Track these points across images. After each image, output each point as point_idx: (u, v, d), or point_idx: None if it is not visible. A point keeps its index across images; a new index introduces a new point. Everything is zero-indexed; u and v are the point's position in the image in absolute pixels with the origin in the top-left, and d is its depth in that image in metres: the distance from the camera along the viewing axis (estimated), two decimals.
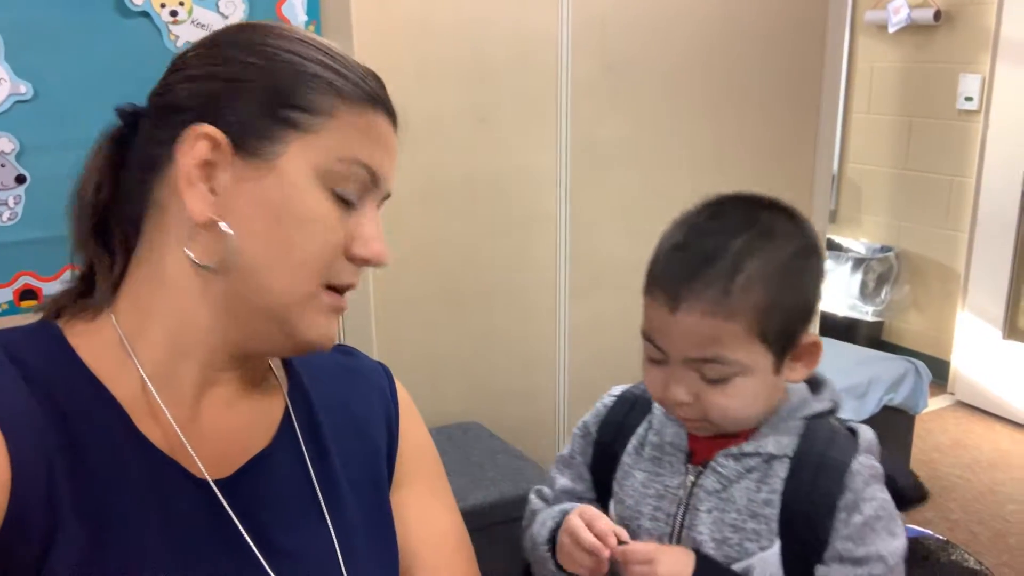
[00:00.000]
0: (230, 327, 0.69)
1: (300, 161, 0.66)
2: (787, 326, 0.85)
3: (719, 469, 0.89)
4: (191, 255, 0.66)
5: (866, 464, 0.86)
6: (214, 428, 0.71)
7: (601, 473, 0.99)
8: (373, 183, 0.70)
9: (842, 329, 3.93)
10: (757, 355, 0.85)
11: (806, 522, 0.85)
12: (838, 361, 2.82)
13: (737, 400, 0.85)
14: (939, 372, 3.80)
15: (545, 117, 2.45)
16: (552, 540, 0.94)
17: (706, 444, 0.91)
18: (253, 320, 0.68)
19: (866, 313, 4.09)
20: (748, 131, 2.81)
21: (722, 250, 0.84)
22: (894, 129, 4.01)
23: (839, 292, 4.11)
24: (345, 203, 0.69)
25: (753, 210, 0.88)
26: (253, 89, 0.66)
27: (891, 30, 3.84)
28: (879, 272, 4.03)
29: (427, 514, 0.85)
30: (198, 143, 0.65)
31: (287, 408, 0.77)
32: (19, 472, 0.59)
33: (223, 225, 0.66)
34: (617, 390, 1.03)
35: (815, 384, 0.94)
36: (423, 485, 0.87)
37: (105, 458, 0.64)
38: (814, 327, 0.92)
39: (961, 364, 3.80)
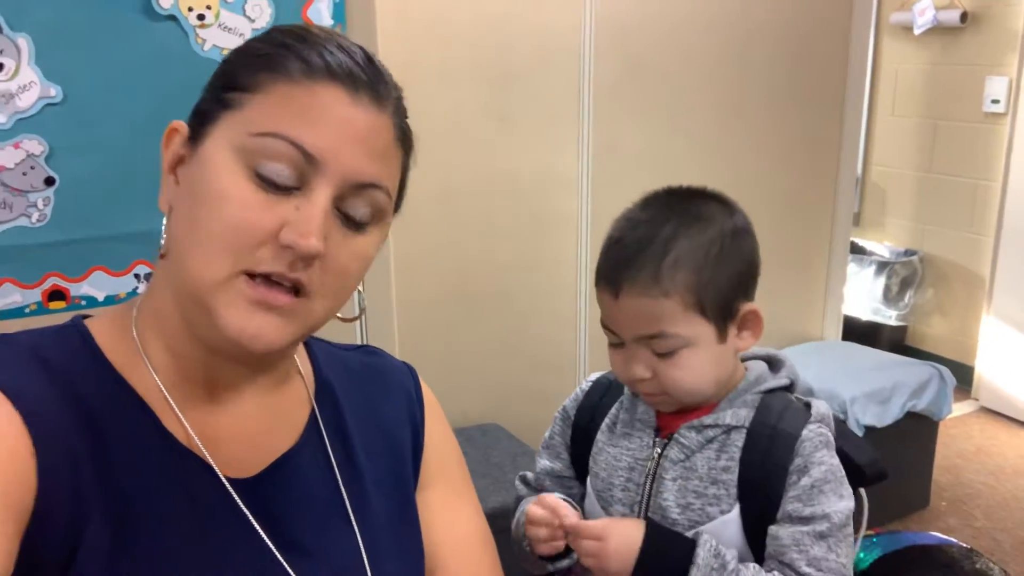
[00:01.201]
0: (183, 313, 0.68)
1: (220, 138, 0.65)
2: (722, 298, 0.94)
3: (682, 440, 0.97)
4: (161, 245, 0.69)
5: (816, 432, 0.94)
6: (239, 429, 0.72)
7: (579, 453, 1.07)
8: (307, 162, 0.63)
9: (865, 333, 3.89)
10: (697, 327, 0.93)
11: (761, 486, 0.93)
12: (861, 365, 2.80)
13: (688, 371, 0.94)
14: (963, 377, 3.76)
15: (566, 118, 2.45)
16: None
17: (672, 419, 0.99)
18: (186, 307, 0.67)
19: (889, 317, 4.05)
20: (771, 133, 2.80)
21: (652, 237, 0.94)
22: (919, 132, 3.97)
23: (862, 296, 4.08)
24: (274, 185, 0.63)
25: (682, 199, 0.98)
26: (215, 77, 0.68)
27: (917, 32, 3.80)
28: (903, 276, 3.99)
29: (452, 516, 0.85)
30: (173, 137, 0.68)
31: (313, 409, 0.77)
32: (45, 472, 0.59)
33: (167, 212, 0.68)
34: (593, 376, 1.12)
35: (774, 363, 1.04)
36: (447, 487, 0.87)
37: (131, 455, 0.65)
38: (756, 300, 1.00)
39: (986, 369, 3.76)
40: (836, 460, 0.94)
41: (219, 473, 0.68)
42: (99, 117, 1.34)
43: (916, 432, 2.78)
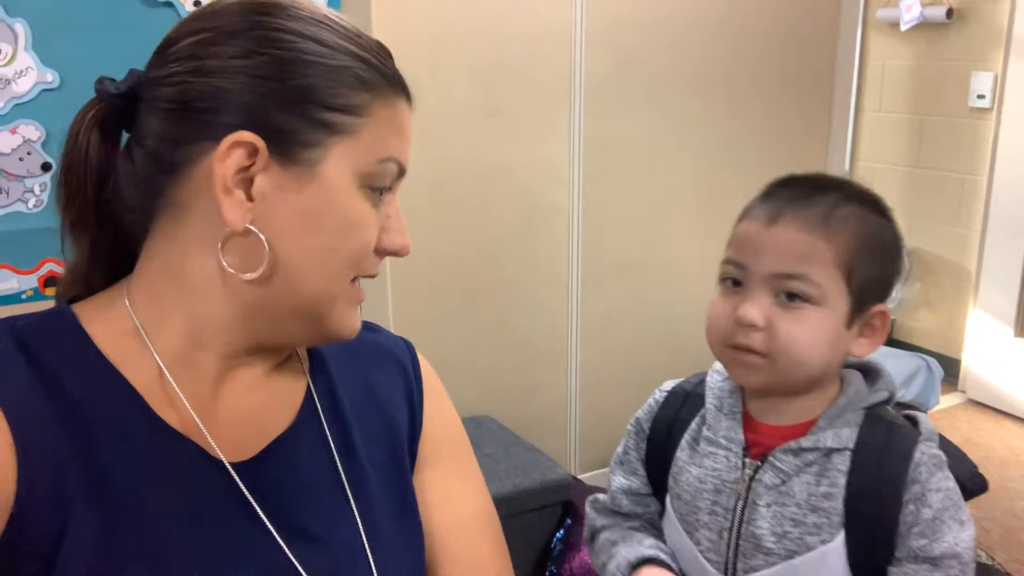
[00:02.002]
0: (256, 325, 0.68)
1: (342, 167, 0.65)
2: (868, 281, 0.88)
3: (777, 464, 0.88)
4: (225, 263, 0.65)
5: (929, 453, 0.86)
6: (234, 411, 0.71)
7: (656, 469, 0.99)
8: (400, 175, 0.70)
9: None
10: (838, 289, 0.86)
11: (872, 515, 0.85)
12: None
13: (807, 331, 0.85)
14: (950, 370, 3.79)
15: (558, 111, 2.46)
16: None
17: (761, 437, 0.91)
18: (283, 318, 0.68)
19: None
20: (760, 128, 2.82)
21: (829, 188, 0.90)
22: (906, 127, 3.99)
23: None
24: (378, 198, 0.69)
25: (857, 188, 0.93)
26: (288, 90, 0.64)
27: (903, 28, 3.82)
28: None
29: (452, 496, 0.83)
30: (236, 150, 0.63)
31: (309, 388, 0.76)
32: (26, 467, 0.59)
33: (260, 234, 0.64)
34: (668, 385, 1.02)
35: (870, 374, 0.94)
36: (447, 466, 0.84)
37: (119, 444, 0.64)
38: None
39: (972, 362, 3.79)
40: (952, 482, 0.86)
41: (215, 456, 0.67)
42: None
43: None
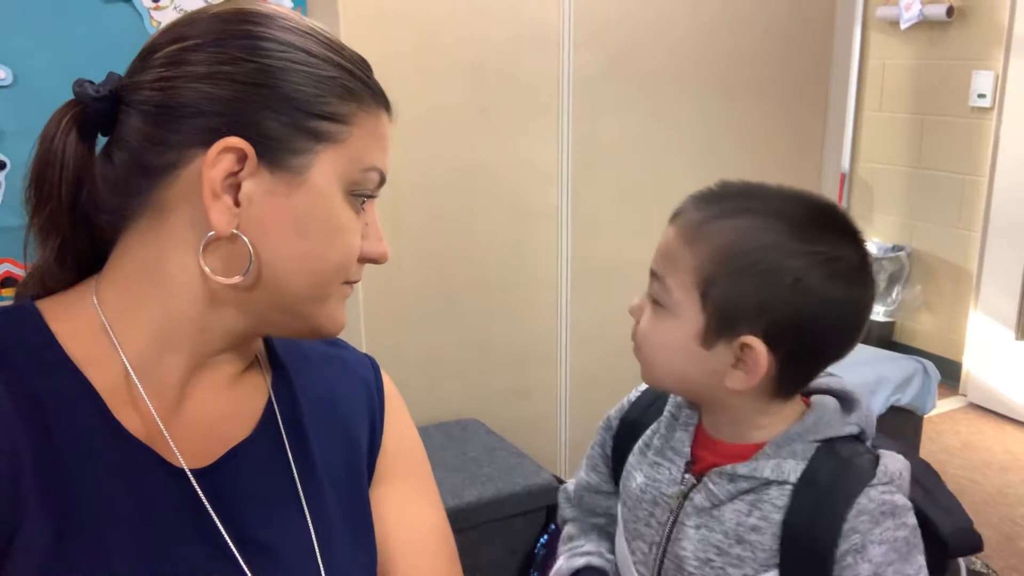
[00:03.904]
0: (238, 319, 0.68)
1: (328, 173, 0.66)
2: (731, 302, 0.78)
3: (710, 486, 0.83)
4: (207, 270, 0.65)
5: (877, 498, 0.77)
6: (196, 417, 0.70)
7: (618, 468, 0.96)
8: (381, 184, 0.71)
9: None
10: (690, 304, 0.80)
11: (807, 561, 0.78)
12: (845, 360, 2.77)
13: (656, 337, 0.82)
14: (951, 373, 3.75)
15: (546, 111, 2.43)
16: None
17: (710, 454, 0.86)
18: (269, 315, 0.69)
19: (877, 313, 4.04)
20: (753, 128, 2.78)
21: (732, 196, 0.83)
22: (906, 127, 3.96)
23: None
24: (360, 206, 0.70)
25: (805, 206, 0.82)
26: (276, 97, 0.64)
27: (903, 26, 3.79)
28: (890, 272, 3.98)
29: (408, 512, 0.83)
30: (225, 156, 0.63)
31: (270, 398, 0.76)
32: None
33: (246, 239, 0.64)
34: (644, 386, 0.98)
35: (846, 402, 0.86)
36: (404, 482, 0.84)
37: (77, 446, 0.63)
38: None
39: (973, 365, 3.75)
40: (904, 531, 0.77)
41: (172, 463, 0.66)
42: (51, 100, 1.29)
43: (900, 427, 2.76)
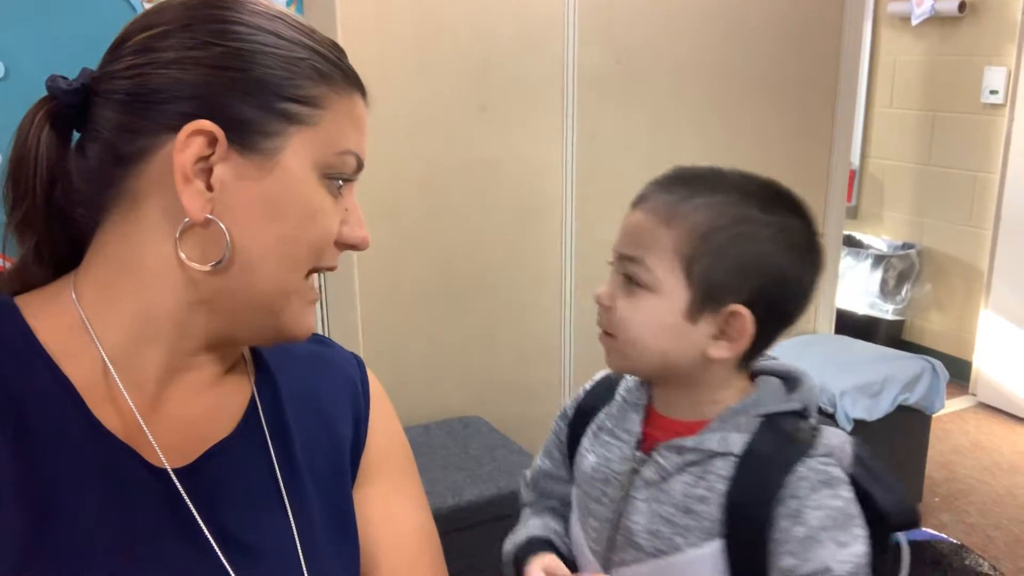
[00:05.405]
0: (212, 318, 0.68)
1: (301, 156, 0.66)
2: (715, 276, 0.83)
3: (659, 460, 0.87)
4: (183, 256, 0.64)
5: (816, 467, 0.81)
6: (177, 415, 0.69)
7: (573, 454, 0.99)
8: (358, 168, 0.71)
9: (862, 328, 3.85)
10: (674, 281, 0.84)
11: (748, 528, 0.81)
12: (852, 359, 2.76)
13: (640, 317, 0.85)
14: (961, 373, 3.72)
15: (550, 106, 2.42)
16: (514, 562, 0.95)
17: (658, 431, 0.90)
18: (239, 311, 0.68)
19: (886, 312, 4.01)
20: (760, 125, 2.76)
21: (699, 179, 0.87)
22: (917, 123, 3.92)
23: (859, 290, 4.03)
24: (337, 190, 0.69)
25: (758, 184, 0.89)
26: (246, 80, 0.64)
27: (914, 22, 3.76)
28: (900, 270, 3.94)
29: (392, 512, 0.83)
30: (195, 139, 0.63)
31: (253, 396, 0.75)
32: None
33: (221, 223, 0.64)
34: (601, 374, 1.02)
35: (790, 381, 0.90)
36: (389, 483, 0.84)
37: (54, 444, 0.62)
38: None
39: (983, 364, 3.72)
40: (840, 501, 0.80)
41: (152, 461, 0.66)
42: (43, 93, 1.32)
43: (908, 426, 2.73)
